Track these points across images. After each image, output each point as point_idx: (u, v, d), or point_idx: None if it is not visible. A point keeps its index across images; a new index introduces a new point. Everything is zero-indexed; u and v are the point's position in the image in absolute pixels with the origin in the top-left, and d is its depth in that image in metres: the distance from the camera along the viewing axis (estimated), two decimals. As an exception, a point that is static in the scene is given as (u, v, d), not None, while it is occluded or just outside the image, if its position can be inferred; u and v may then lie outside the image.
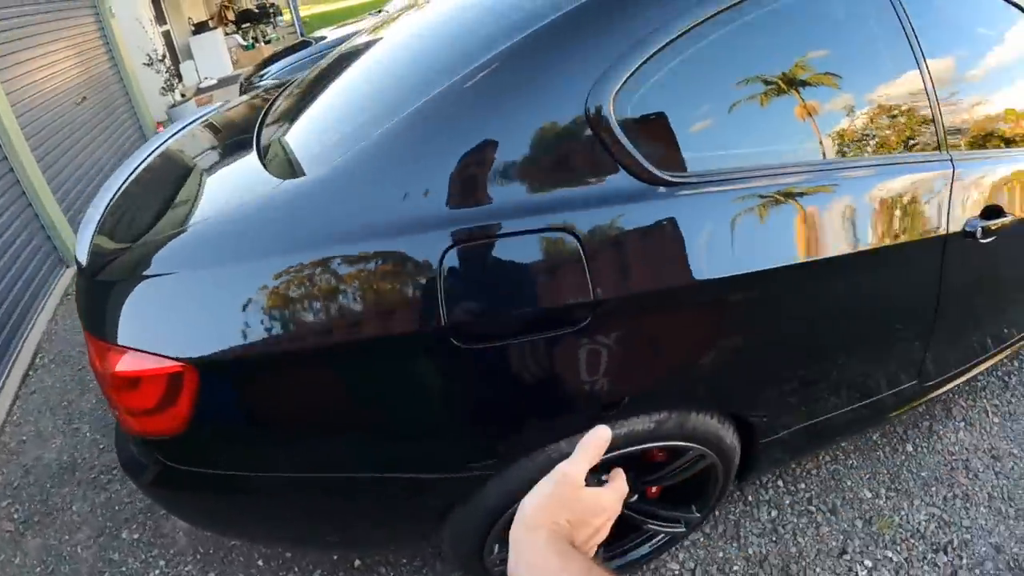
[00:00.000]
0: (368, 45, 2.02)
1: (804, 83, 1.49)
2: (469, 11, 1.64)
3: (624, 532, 1.84)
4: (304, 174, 1.35)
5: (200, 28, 11.23)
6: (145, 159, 1.93)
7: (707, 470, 1.69)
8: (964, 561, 2.07)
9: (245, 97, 2.58)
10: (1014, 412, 2.67)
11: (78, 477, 2.43)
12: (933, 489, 2.30)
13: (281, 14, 16.98)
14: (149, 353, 1.20)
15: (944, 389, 2.22)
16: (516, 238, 1.21)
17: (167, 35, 9.36)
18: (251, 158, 1.59)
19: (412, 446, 1.37)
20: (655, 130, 1.33)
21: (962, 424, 2.59)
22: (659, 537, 1.85)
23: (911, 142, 1.63)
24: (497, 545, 1.57)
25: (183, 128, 2.18)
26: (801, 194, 1.43)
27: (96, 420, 2.72)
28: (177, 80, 7.92)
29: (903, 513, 2.21)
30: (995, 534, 2.16)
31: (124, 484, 2.40)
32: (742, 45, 1.41)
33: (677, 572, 1.96)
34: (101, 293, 1.33)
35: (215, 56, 10.61)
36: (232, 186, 1.55)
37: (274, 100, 2.08)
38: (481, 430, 1.38)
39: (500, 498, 1.44)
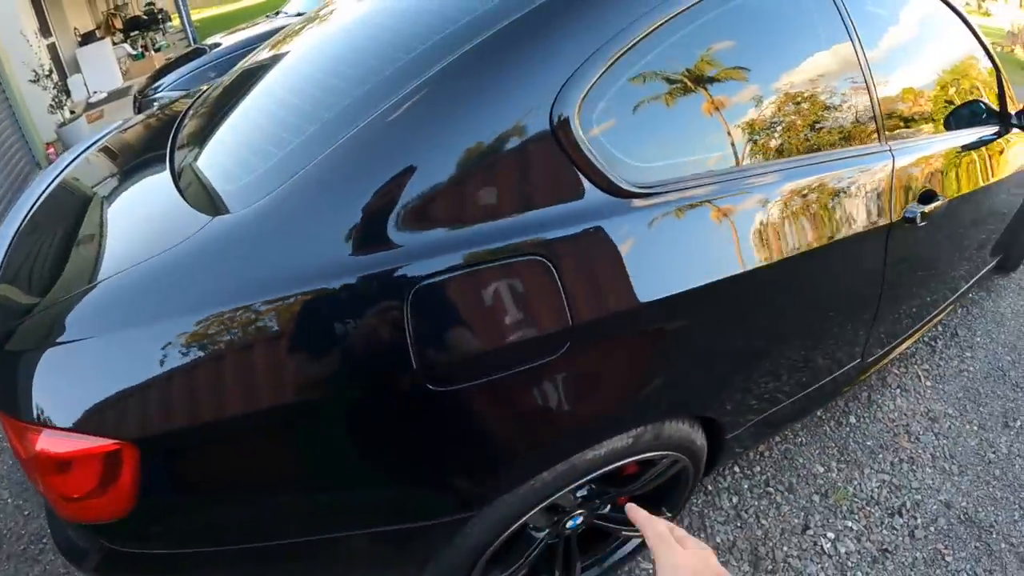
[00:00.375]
0: (289, 54, 1.87)
1: (765, 86, 1.52)
2: (402, 19, 1.56)
3: (600, 540, 1.83)
4: (236, 209, 1.19)
5: (87, 39, 10.53)
6: (42, 194, 1.72)
7: (678, 473, 1.70)
8: (919, 521, 2.16)
9: (141, 117, 2.36)
10: (943, 374, 2.81)
11: (6, 550, 2.18)
12: (880, 456, 2.40)
13: (170, 19, 16.21)
14: (78, 432, 1.04)
15: (883, 363, 2.33)
16: (484, 267, 1.13)
17: (52, 48, 8.75)
18: (166, 190, 1.40)
19: (391, 498, 1.28)
20: (621, 141, 1.29)
21: (898, 391, 2.71)
22: (633, 540, 1.86)
23: (856, 136, 1.69)
24: None
25: (80, 154, 1.96)
26: (768, 195, 1.46)
27: (15, 484, 2.43)
28: (65, 96, 7.42)
29: (856, 483, 2.29)
30: (943, 491, 2.26)
31: (58, 552, 2.19)
32: (700, 50, 1.41)
33: (651, 571, 1.97)
34: (10, 365, 1.12)
35: (104, 68, 10.01)
36: (149, 224, 1.35)
37: (181, 120, 1.87)
38: (463, 472, 1.30)
39: (483, 535, 1.39)
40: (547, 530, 1.59)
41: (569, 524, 1.61)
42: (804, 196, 1.52)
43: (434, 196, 1.14)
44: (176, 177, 1.46)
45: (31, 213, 1.63)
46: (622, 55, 1.27)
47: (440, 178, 1.14)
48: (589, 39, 1.24)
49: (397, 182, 1.13)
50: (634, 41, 1.28)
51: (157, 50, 12.78)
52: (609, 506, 1.71)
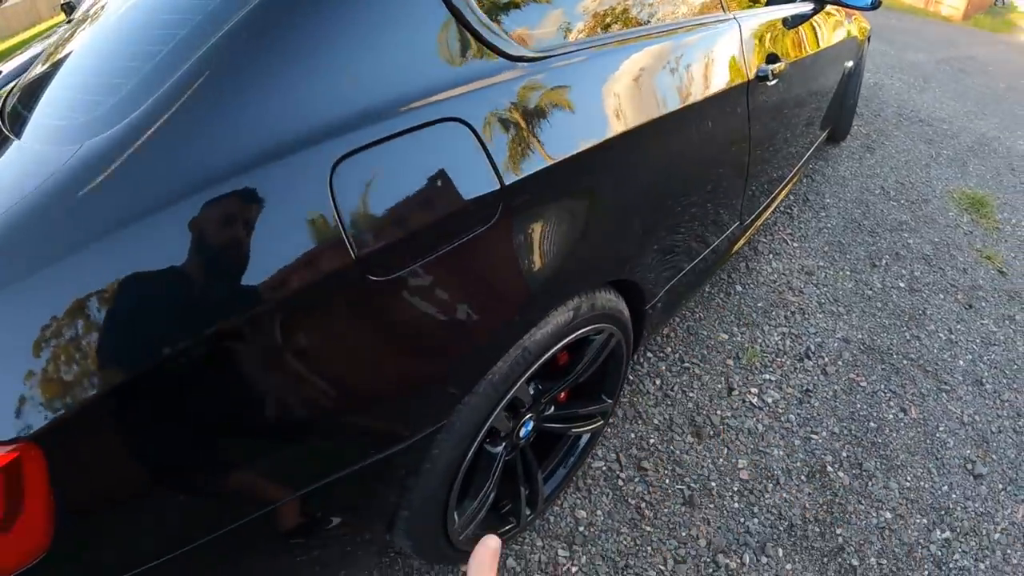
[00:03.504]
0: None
1: None
2: None
3: (552, 447, 1.69)
4: (108, 128, 0.89)
5: None
6: None
7: (613, 351, 1.61)
8: (826, 359, 2.19)
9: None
10: (807, 234, 2.90)
11: None
12: (773, 313, 2.42)
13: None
14: None
15: (754, 228, 2.36)
16: (406, 138, 0.96)
17: None
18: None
19: (350, 429, 1.05)
20: (512, 10, 1.22)
21: (771, 256, 2.76)
22: (584, 439, 1.73)
23: (706, 8, 1.75)
24: (456, 514, 1.35)
25: None
26: (640, 58, 1.45)
27: None
28: None
29: (760, 341, 2.29)
30: (839, 330, 2.31)
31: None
32: None
33: (604, 467, 1.84)
34: None
35: None
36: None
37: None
38: (422, 377, 1.10)
39: (453, 451, 1.20)
40: (503, 444, 1.42)
41: (522, 434, 1.47)
42: (680, 57, 1.56)
43: (347, 70, 0.96)
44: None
45: None
46: None
47: (354, 54, 0.97)
48: None
49: (293, 62, 0.92)
50: None
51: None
52: (553, 407, 1.58)
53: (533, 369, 1.30)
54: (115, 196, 0.81)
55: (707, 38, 1.67)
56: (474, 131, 1.04)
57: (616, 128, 1.31)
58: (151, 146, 0.85)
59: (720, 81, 1.68)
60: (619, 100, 1.36)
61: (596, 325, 1.45)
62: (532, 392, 1.45)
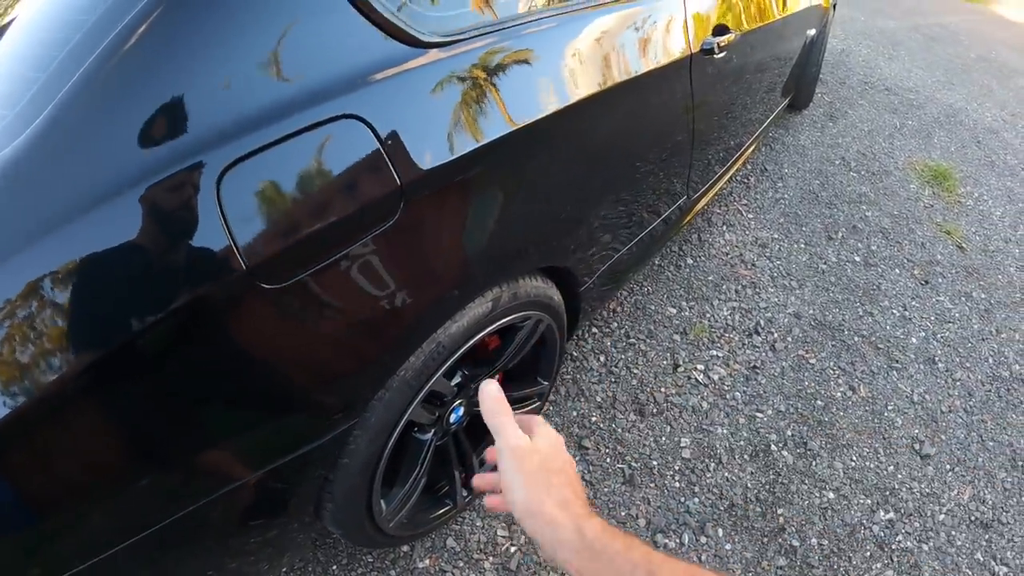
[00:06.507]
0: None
1: None
2: None
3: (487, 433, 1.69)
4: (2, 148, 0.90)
5: None
6: None
7: (544, 336, 1.63)
8: (775, 335, 2.23)
9: None
10: (762, 206, 2.94)
11: None
12: (724, 287, 2.45)
13: None
14: None
15: (706, 200, 2.38)
16: (296, 140, 0.96)
17: None
18: None
19: (261, 431, 1.08)
20: None
21: (724, 228, 2.79)
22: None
23: None
24: (383, 501, 1.38)
25: None
26: (568, 34, 1.45)
27: None
28: None
29: (708, 315, 2.32)
30: (790, 305, 2.36)
31: None
32: None
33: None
34: None
35: None
36: None
37: None
38: (329, 377, 1.13)
39: (370, 446, 1.24)
40: (432, 430, 1.44)
41: (452, 419, 1.49)
42: (611, 33, 1.54)
43: (231, 72, 0.95)
44: None
45: None
46: None
47: (237, 54, 0.95)
48: None
49: (172, 69, 0.92)
50: None
51: None
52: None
53: (450, 363, 1.31)
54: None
55: (645, 12, 1.66)
56: (371, 127, 1.03)
57: (536, 112, 1.31)
58: (36, 168, 0.85)
59: (658, 57, 1.67)
60: (540, 82, 1.35)
61: (521, 313, 1.46)
62: (458, 379, 1.46)
